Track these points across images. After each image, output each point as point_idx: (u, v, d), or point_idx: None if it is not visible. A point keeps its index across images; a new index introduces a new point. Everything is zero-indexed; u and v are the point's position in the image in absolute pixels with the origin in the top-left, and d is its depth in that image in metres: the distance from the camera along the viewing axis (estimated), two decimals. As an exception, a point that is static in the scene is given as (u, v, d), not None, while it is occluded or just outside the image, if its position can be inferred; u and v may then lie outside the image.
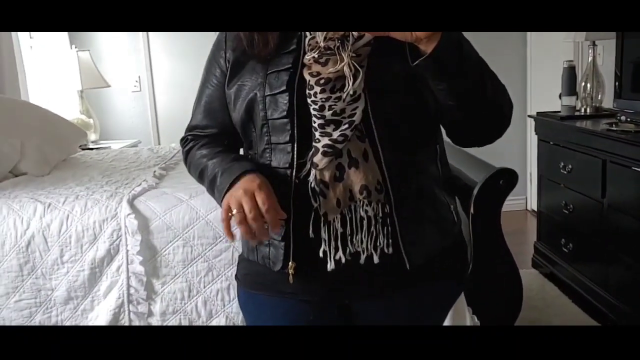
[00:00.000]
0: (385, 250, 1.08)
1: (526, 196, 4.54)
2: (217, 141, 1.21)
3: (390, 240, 1.08)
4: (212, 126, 1.22)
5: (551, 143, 3.13)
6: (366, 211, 1.07)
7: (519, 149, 4.44)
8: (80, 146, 3.40)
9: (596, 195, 2.68)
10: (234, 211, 1.04)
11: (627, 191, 2.46)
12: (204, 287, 1.80)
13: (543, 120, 3.22)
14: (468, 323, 1.80)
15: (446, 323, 1.75)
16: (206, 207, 1.82)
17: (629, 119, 2.64)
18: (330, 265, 1.07)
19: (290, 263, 1.10)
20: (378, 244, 1.08)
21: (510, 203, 4.45)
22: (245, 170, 1.09)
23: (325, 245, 1.07)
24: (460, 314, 1.79)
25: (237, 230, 1.07)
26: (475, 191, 1.79)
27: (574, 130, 2.88)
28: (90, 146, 3.76)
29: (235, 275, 1.26)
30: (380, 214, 1.07)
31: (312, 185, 1.06)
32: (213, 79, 1.19)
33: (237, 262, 1.30)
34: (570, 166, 2.91)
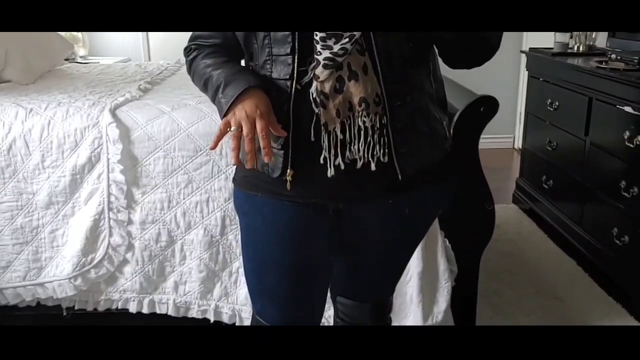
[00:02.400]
0: (382, 159, 1.12)
1: (514, 134, 4.55)
2: (220, 51, 1.22)
3: (385, 150, 1.12)
4: (215, 36, 1.23)
5: (541, 79, 3.12)
6: (364, 122, 1.10)
7: (511, 87, 4.42)
8: (67, 60, 3.36)
9: (579, 133, 2.70)
10: (233, 128, 1.08)
11: (610, 130, 2.48)
12: (184, 198, 1.83)
13: (535, 56, 3.19)
14: (439, 246, 1.85)
15: (418, 246, 1.80)
16: (188, 120, 1.82)
17: (619, 57, 2.63)
18: (331, 172, 1.11)
19: (288, 170, 1.13)
20: (375, 152, 1.12)
21: (498, 141, 4.48)
22: (249, 85, 1.11)
23: (326, 151, 1.11)
24: (433, 237, 1.84)
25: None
26: (455, 117, 1.81)
27: (563, 67, 2.87)
28: (78, 61, 3.71)
29: (233, 178, 1.29)
30: (378, 125, 1.11)
31: (314, 95, 1.09)
32: None
33: (234, 168, 1.32)
34: (557, 103, 2.91)
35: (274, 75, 1.12)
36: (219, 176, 1.81)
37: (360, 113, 1.10)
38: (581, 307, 2.35)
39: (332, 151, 1.11)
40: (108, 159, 1.81)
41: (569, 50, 3.07)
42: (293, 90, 1.10)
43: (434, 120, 1.20)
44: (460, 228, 1.87)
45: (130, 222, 1.85)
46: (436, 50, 1.22)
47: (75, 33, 3.82)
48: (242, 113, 1.08)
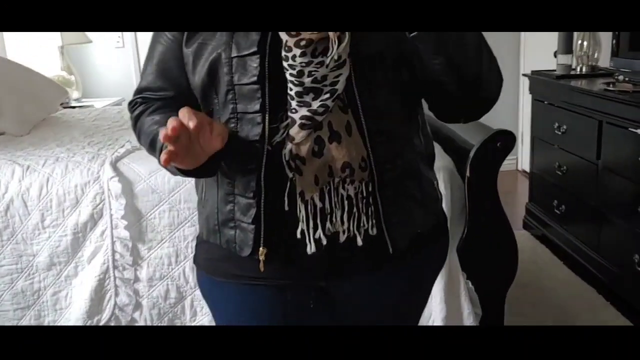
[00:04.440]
0: (370, 232, 0.98)
1: (517, 156, 4.50)
2: (171, 105, 1.03)
3: (374, 221, 0.98)
4: (165, 88, 1.05)
5: (546, 103, 3.07)
6: (347, 190, 0.96)
7: (511, 109, 4.37)
8: (61, 104, 3.30)
9: (591, 156, 2.63)
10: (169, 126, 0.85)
11: (623, 153, 2.41)
12: (192, 252, 1.74)
13: (538, 79, 3.14)
14: (462, 289, 1.77)
15: (440, 288, 1.72)
16: (193, 170, 1.74)
17: (626, 79, 2.58)
18: (310, 248, 0.96)
19: (260, 249, 0.98)
20: (362, 224, 0.98)
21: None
22: None
23: (303, 224, 0.96)
24: (455, 280, 1.76)
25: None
26: (471, 154, 1.74)
27: (569, 90, 2.82)
28: (73, 104, 3.64)
29: (194, 259, 1.13)
30: (364, 193, 0.97)
31: (287, 158, 0.94)
32: (167, 34, 1.03)
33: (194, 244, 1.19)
34: (564, 127, 2.86)
35: (241, 135, 0.96)
36: (228, 227, 1.73)
37: (343, 180, 0.95)
38: (607, 339, 2.26)
39: (311, 223, 0.96)
40: (111, 215, 1.73)
41: (572, 72, 3.02)
42: (264, 153, 0.95)
43: (425, 182, 1.07)
44: (482, 267, 1.79)
45: (137, 279, 1.76)
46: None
47: (68, 76, 3.76)
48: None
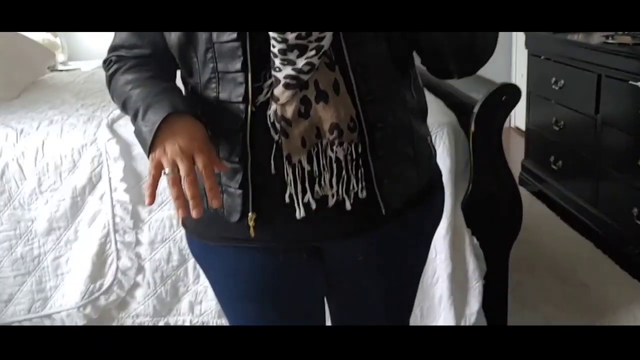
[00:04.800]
0: (360, 195, 0.94)
1: (510, 113, 4.47)
2: (146, 64, 0.99)
3: (364, 183, 0.94)
4: (140, 46, 0.99)
5: (542, 57, 3.03)
6: (336, 152, 0.92)
7: (504, 65, 4.33)
8: (48, 67, 3.21)
9: (589, 111, 2.62)
10: (167, 170, 0.86)
11: (623, 106, 2.40)
12: (194, 214, 1.71)
13: (534, 34, 3.10)
14: (467, 245, 1.76)
15: (445, 245, 1.71)
16: (192, 130, 1.70)
17: (625, 32, 2.54)
18: (300, 212, 0.93)
19: (250, 214, 0.94)
20: (351, 187, 0.94)
21: (495, 121, 4.39)
22: (175, 109, 0.88)
23: (291, 187, 0.92)
24: (460, 236, 1.75)
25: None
26: (476, 109, 1.71)
27: (567, 45, 2.78)
28: (59, 68, 3.55)
29: (182, 221, 1.08)
30: (354, 155, 0.93)
31: (272, 120, 0.90)
32: None
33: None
34: (562, 81, 2.83)
35: (222, 96, 0.92)
36: (230, 188, 1.70)
37: (331, 142, 0.91)
38: (607, 291, 2.29)
39: (299, 187, 0.92)
40: (110, 178, 1.69)
41: (570, 26, 2.98)
42: (248, 114, 0.90)
43: (418, 140, 1.02)
44: (487, 223, 1.78)
45: (138, 243, 1.73)
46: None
47: (53, 39, 3.66)
48: (175, 148, 0.85)
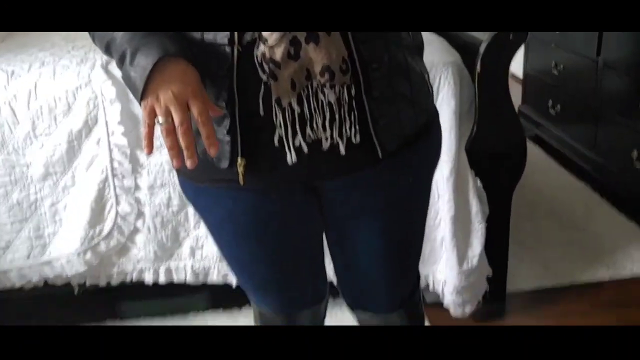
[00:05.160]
0: (353, 140, 0.91)
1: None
2: None
3: (358, 127, 0.91)
4: None
5: None
6: (327, 95, 0.88)
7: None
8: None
9: (591, 53, 2.57)
10: (161, 119, 0.83)
11: (625, 48, 2.36)
12: (194, 158, 1.68)
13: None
14: (470, 187, 1.75)
15: (448, 187, 1.70)
16: (190, 71, 1.65)
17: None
18: (291, 156, 0.91)
19: (239, 159, 0.91)
20: (344, 131, 0.91)
21: (490, 67, 4.34)
22: (166, 52, 0.83)
23: (281, 130, 0.89)
24: (463, 178, 1.73)
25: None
26: (482, 49, 1.67)
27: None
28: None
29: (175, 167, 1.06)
30: (346, 98, 0.89)
31: (259, 61, 0.86)
32: None
33: None
34: (563, 24, 2.77)
35: (208, 37, 0.88)
36: (231, 131, 1.66)
37: (322, 84, 0.88)
38: (604, 235, 2.30)
39: (290, 130, 0.89)
40: (106, 121, 1.64)
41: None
42: (235, 55, 0.86)
43: (415, 77, 0.98)
44: (491, 164, 1.76)
45: (137, 187, 1.70)
46: None
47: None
48: (168, 94, 0.82)
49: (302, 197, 1.02)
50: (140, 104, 0.85)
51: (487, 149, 1.74)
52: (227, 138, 0.90)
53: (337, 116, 0.89)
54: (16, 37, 2.27)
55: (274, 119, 0.89)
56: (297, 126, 0.89)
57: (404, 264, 1.14)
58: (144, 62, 0.83)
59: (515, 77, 3.98)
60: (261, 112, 0.88)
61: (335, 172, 0.96)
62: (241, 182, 0.92)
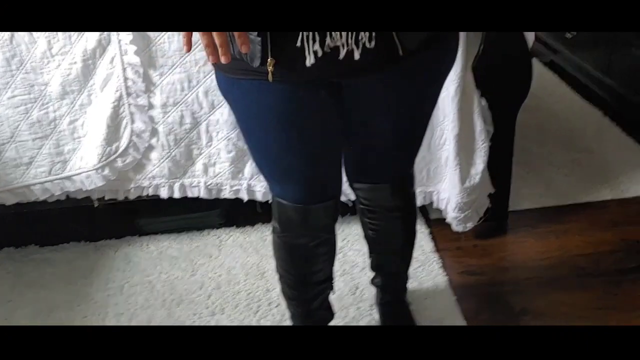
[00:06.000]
0: (367, 45, 1.00)
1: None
2: None
3: (372, 33, 1.00)
4: None
5: None
6: None
7: None
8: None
9: (608, -26, 2.52)
10: None
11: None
12: (204, 76, 1.73)
13: None
14: (475, 106, 1.78)
15: (453, 106, 1.73)
16: (199, -9, 1.68)
17: None
18: (310, 59, 1.00)
19: (269, 59, 1.01)
20: (360, 38, 1.00)
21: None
22: None
23: (303, 35, 0.99)
24: (469, 98, 1.76)
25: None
26: (490, -35, 1.66)
27: None
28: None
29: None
30: None
31: None
32: None
33: None
34: (582, -56, 2.70)
35: None
36: (240, 50, 1.69)
37: None
38: (611, 158, 2.33)
39: (310, 35, 0.98)
40: (119, 41, 1.68)
41: None
42: None
43: None
44: (497, 84, 1.78)
45: (151, 106, 1.76)
46: None
47: None
48: None
49: (325, 92, 1.12)
50: None
51: (493, 69, 1.75)
52: (258, 39, 0.99)
53: None
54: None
55: None
56: (317, 33, 0.98)
57: (405, 150, 1.32)
58: None
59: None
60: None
61: (358, 68, 1.04)
62: (270, 79, 1.02)
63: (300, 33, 0.98)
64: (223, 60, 0.91)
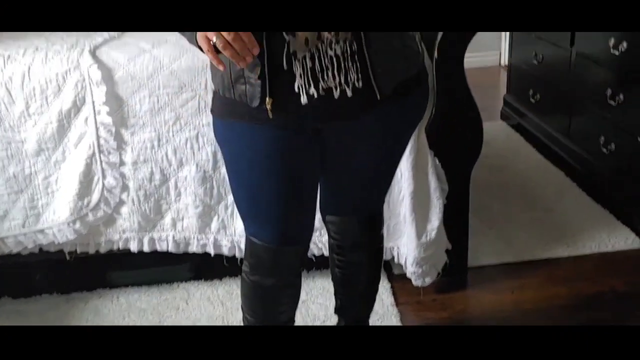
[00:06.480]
0: (357, 85, 1.16)
1: (500, 51, 4.51)
2: None
3: (360, 75, 1.16)
4: None
5: (525, -8, 3.07)
6: (335, 50, 1.14)
7: None
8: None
9: (565, 43, 2.68)
10: (214, 39, 1.06)
11: (595, 38, 2.46)
12: (173, 135, 1.83)
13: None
14: (429, 166, 1.87)
15: (408, 165, 1.83)
16: (170, 57, 1.80)
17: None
18: (304, 99, 1.15)
19: (267, 99, 1.16)
20: (349, 79, 1.16)
21: (484, 58, 4.44)
22: None
23: (300, 79, 1.14)
24: (423, 157, 1.86)
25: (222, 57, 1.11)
26: (439, 35, 1.80)
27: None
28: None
29: (211, 109, 1.32)
30: (349, 52, 1.14)
31: None
32: None
33: (211, 99, 1.34)
34: (542, 15, 2.87)
35: None
36: (206, 111, 1.80)
37: (329, 40, 1.13)
38: (570, 216, 2.41)
39: (305, 79, 1.14)
40: (93, 102, 1.79)
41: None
42: None
43: (407, 37, 1.25)
44: (448, 144, 1.89)
45: (122, 163, 1.86)
46: None
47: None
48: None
49: (310, 139, 1.27)
50: (197, 46, 1.11)
51: (445, 131, 1.86)
52: (259, 82, 1.16)
53: (342, 65, 1.15)
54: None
55: (294, 70, 1.14)
56: (310, 77, 1.14)
57: (375, 188, 1.47)
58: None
59: (504, 67, 4.08)
60: (284, 64, 1.14)
61: (340, 113, 1.20)
62: (270, 116, 1.18)
63: (297, 77, 1.14)
64: (248, 59, 1.06)
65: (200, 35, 1.08)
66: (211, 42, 1.07)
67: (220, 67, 1.09)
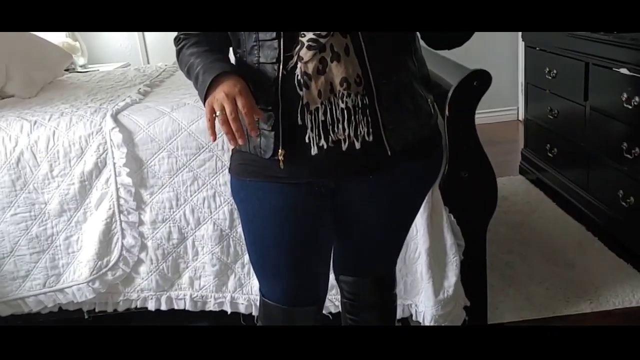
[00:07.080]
0: (367, 138, 1.18)
1: (518, 106, 4.55)
2: (205, 40, 1.27)
3: (370, 129, 1.18)
4: None
5: (537, 49, 3.12)
6: (346, 102, 1.16)
7: (511, 60, 4.41)
8: (68, 70, 3.41)
9: (579, 98, 2.70)
10: (217, 112, 1.12)
11: (608, 93, 2.48)
12: (191, 195, 1.87)
13: (530, 26, 3.19)
14: (445, 222, 1.88)
15: (423, 221, 1.84)
16: (188, 119, 1.86)
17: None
18: (314, 150, 1.17)
19: (280, 150, 1.19)
20: (359, 132, 1.17)
21: (502, 113, 4.48)
22: (223, 70, 1.16)
23: (310, 131, 1.17)
24: (438, 213, 1.87)
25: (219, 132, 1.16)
26: (450, 93, 1.83)
27: (558, 35, 2.87)
28: (79, 70, 3.76)
29: (229, 168, 1.35)
30: (360, 105, 1.17)
31: (298, 77, 1.15)
32: None
33: (229, 158, 1.38)
34: (555, 71, 2.92)
35: (262, 59, 1.18)
36: (223, 171, 1.84)
37: (341, 93, 1.15)
38: (592, 271, 2.37)
39: (316, 131, 1.17)
40: (114, 163, 1.85)
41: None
42: (280, 73, 1.16)
43: (419, 98, 1.26)
44: (463, 201, 1.89)
45: (141, 222, 1.90)
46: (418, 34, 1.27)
47: (73, 43, 3.87)
48: (221, 94, 1.13)
49: (323, 197, 1.28)
50: (204, 105, 1.15)
51: (459, 187, 1.87)
52: (272, 133, 1.19)
53: (353, 118, 1.17)
54: (47, 92, 2.55)
55: (306, 123, 1.17)
56: (321, 130, 1.17)
57: (388, 249, 1.46)
58: (208, 77, 1.16)
59: (522, 121, 4.10)
60: (298, 118, 1.17)
61: (352, 169, 1.23)
62: (282, 166, 1.20)
63: (308, 129, 1.17)
64: (240, 142, 1.12)
65: (207, 102, 1.14)
66: (213, 115, 1.12)
67: (212, 139, 1.14)
